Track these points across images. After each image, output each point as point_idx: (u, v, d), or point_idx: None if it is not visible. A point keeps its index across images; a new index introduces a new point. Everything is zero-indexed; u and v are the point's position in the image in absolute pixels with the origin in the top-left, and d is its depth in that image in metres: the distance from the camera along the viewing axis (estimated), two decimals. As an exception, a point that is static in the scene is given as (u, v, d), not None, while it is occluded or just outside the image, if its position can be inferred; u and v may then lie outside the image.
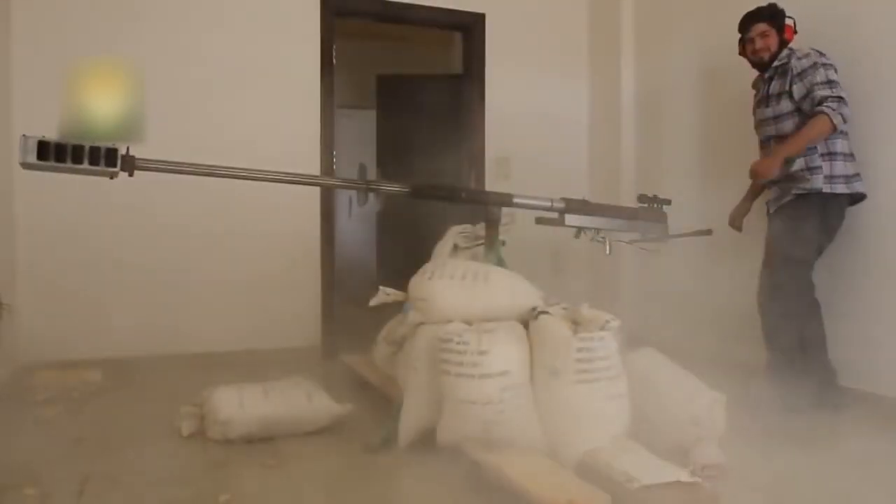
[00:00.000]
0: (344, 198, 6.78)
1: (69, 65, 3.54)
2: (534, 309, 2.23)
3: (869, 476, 2.13)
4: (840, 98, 2.77)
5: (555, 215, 2.70)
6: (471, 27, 4.52)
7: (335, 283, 4.15)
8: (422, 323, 2.35)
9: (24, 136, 1.99)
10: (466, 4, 4.44)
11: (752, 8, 3.07)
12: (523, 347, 2.15)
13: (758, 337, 3.04)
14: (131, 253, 3.67)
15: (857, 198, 2.90)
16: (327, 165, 4.09)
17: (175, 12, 3.79)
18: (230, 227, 3.81)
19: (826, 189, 2.84)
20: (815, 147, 2.85)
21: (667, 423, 2.18)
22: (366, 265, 6.14)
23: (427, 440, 2.23)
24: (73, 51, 3.57)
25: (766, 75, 3.06)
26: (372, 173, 6.06)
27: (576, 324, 2.15)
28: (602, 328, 2.09)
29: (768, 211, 3.09)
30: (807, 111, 2.87)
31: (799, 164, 2.88)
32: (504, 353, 2.08)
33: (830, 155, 2.85)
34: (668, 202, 2.94)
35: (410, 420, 2.29)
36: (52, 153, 2.00)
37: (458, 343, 2.09)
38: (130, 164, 2.13)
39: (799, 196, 2.89)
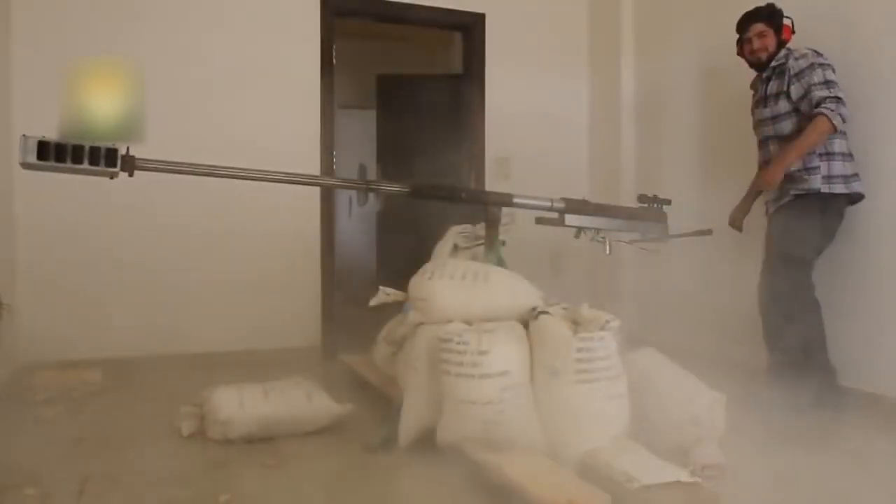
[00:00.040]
0: (344, 198, 6.78)
1: (69, 65, 3.54)
2: (534, 309, 2.24)
3: (869, 476, 2.14)
4: (838, 98, 2.77)
5: (555, 215, 2.70)
6: (471, 27, 4.52)
7: (335, 283, 4.15)
8: (422, 323, 2.35)
9: (24, 136, 1.99)
10: (466, 4, 4.44)
11: (750, 8, 3.07)
12: (523, 347, 2.15)
13: (758, 337, 3.04)
14: (131, 253, 3.67)
15: (855, 198, 2.90)
16: (327, 165, 4.09)
17: (175, 12, 3.79)
18: (230, 227, 3.81)
19: (824, 189, 2.84)
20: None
21: (667, 423, 2.18)
22: (366, 265, 6.14)
23: (427, 440, 2.23)
24: (73, 51, 3.56)
25: (764, 75, 3.06)
26: (372, 173, 6.06)
27: (576, 324, 2.15)
28: (602, 328, 2.09)
29: (767, 211, 3.09)
30: (805, 111, 2.87)
31: (797, 164, 2.88)
32: (504, 353, 2.08)
33: (828, 155, 2.85)
34: (668, 202, 2.94)
35: (410, 420, 2.29)
36: (52, 153, 2.00)
37: (458, 343, 2.09)
38: (130, 164, 2.13)
39: (797, 196, 2.89)
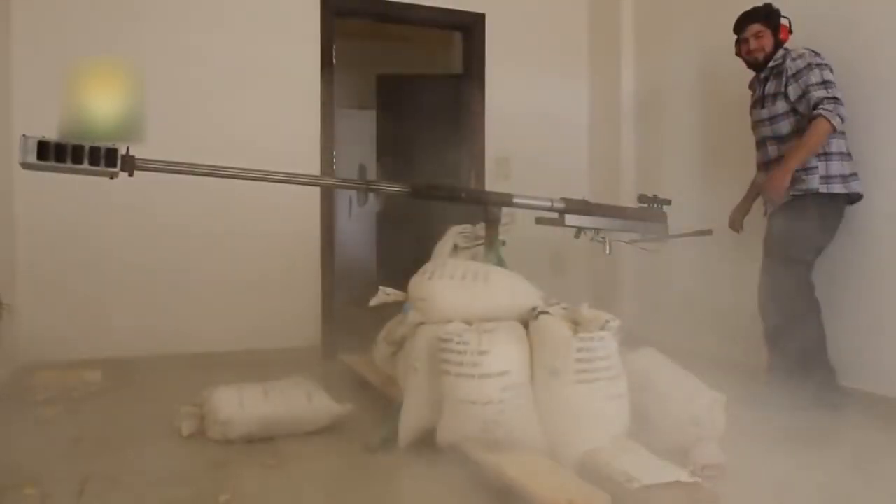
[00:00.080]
0: (344, 198, 6.78)
1: (69, 65, 3.54)
2: (534, 309, 2.24)
3: (869, 476, 2.13)
4: (836, 98, 2.77)
5: (555, 215, 2.70)
6: (471, 27, 4.52)
7: (335, 283, 4.15)
8: (422, 323, 2.35)
9: (24, 136, 1.99)
10: (466, 4, 4.44)
11: (749, 8, 3.07)
12: (523, 347, 2.15)
13: (758, 337, 3.04)
14: (131, 253, 3.67)
15: (854, 197, 2.90)
16: (327, 165, 4.09)
17: (175, 12, 3.79)
18: (230, 227, 3.81)
19: (822, 189, 2.84)
20: None
21: (667, 423, 2.18)
22: (366, 265, 6.14)
23: (427, 440, 2.23)
24: (73, 51, 3.56)
25: (762, 76, 3.06)
26: (372, 173, 6.06)
27: (576, 324, 2.15)
28: (602, 328, 2.09)
29: (766, 211, 3.10)
30: (803, 112, 2.87)
31: None
32: (504, 353, 2.08)
33: (826, 155, 2.84)
34: (668, 202, 2.94)
35: (410, 420, 2.29)
36: (52, 153, 2.00)
37: (458, 343, 2.09)
38: (130, 164, 2.13)
39: (796, 196, 2.89)
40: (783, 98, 2.93)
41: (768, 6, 3.03)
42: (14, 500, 1.91)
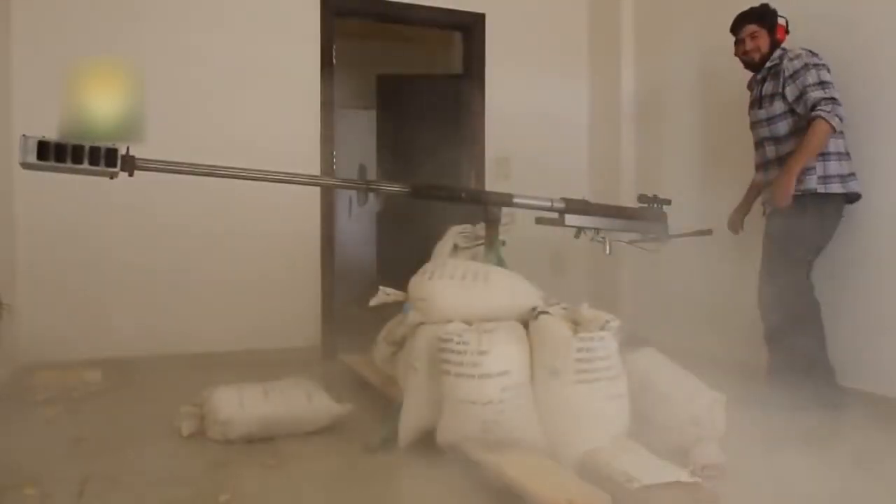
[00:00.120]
0: (344, 198, 6.78)
1: (69, 65, 3.54)
2: (534, 309, 2.24)
3: (869, 476, 2.13)
4: (833, 99, 2.76)
5: (555, 215, 2.70)
6: (471, 27, 4.52)
7: (335, 283, 4.15)
8: (422, 323, 2.35)
9: (24, 136, 1.99)
10: (466, 4, 4.44)
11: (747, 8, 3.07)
12: (523, 347, 2.15)
13: (758, 337, 3.04)
14: (131, 253, 3.67)
15: (852, 197, 2.90)
16: (327, 165, 4.09)
17: (175, 12, 3.79)
18: (230, 227, 3.81)
19: (820, 189, 2.83)
20: None
21: (667, 423, 2.18)
22: (366, 265, 6.14)
23: (427, 440, 2.23)
24: (73, 51, 3.56)
25: (759, 76, 3.06)
26: (372, 173, 6.06)
27: (576, 324, 2.15)
28: (602, 328, 2.09)
29: (765, 212, 3.10)
30: (800, 113, 2.87)
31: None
32: (504, 353, 2.08)
33: (824, 155, 2.84)
34: (668, 202, 2.94)
35: (410, 420, 2.29)
36: (52, 153, 2.00)
37: (458, 343, 2.09)
38: (130, 164, 2.13)
39: (794, 197, 2.88)
40: (781, 99, 2.93)
41: (764, 6, 3.03)
42: (14, 500, 1.91)
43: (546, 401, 2.08)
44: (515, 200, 2.60)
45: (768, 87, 2.99)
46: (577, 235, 2.84)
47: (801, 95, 2.85)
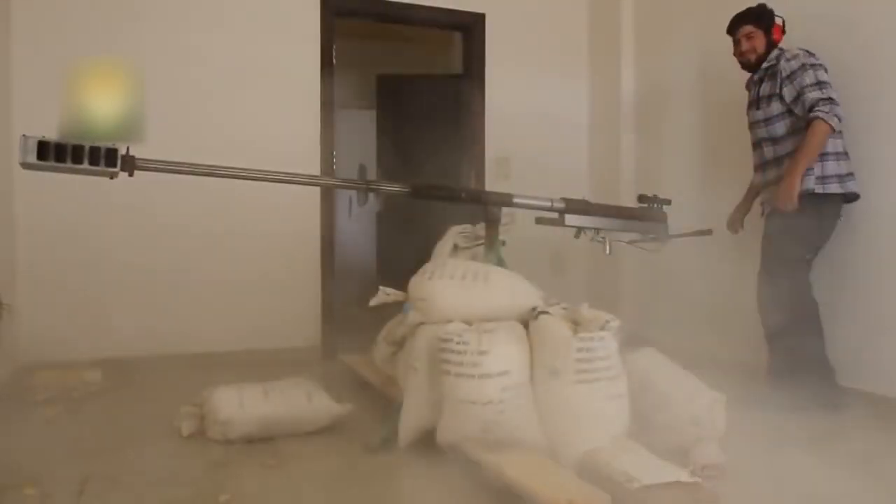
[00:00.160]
0: (344, 198, 6.78)
1: (69, 65, 3.54)
2: (534, 309, 2.24)
3: (869, 476, 2.13)
4: (831, 99, 2.76)
5: (555, 215, 2.70)
6: (471, 27, 4.52)
7: (335, 283, 4.15)
8: (422, 323, 2.35)
9: (24, 136, 1.99)
10: (466, 4, 4.44)
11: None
12: (523, 347, 2.15)
13: (758, 337, 3.04)
14: (131, 253, 3.67)
15: (851, 197, 2.90)
16: (327, 165, 4.09)
17: (175, 12, 3.79)
18: (230, 227, 3.81)
19: (818, 190, 2.83)
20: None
21: (667, 423, 2.18)
22: (366, 265, 6.14)
23: (427, 440, 2.23)
24: (73, 51, 3.56)
25: (756, 77, 3.06)
26: (372, 173, 6.06)
27: (576, 324, 2.15)
28: (602, 328, 2.09)
29: (763, 212, 3.10)
30: (798, 114, 2.86)
31: (787, 164, 2.87)
32: (504, 353, 2.08)
33: (822, 156, 2.83)
34: (668, 202, 2.94)
35: (410, 420, 2.29)
36: (52, 153, 2.00)
37: (458, 343, 2.09)
38: (130, 164, 2.13)
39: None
40: (778, 99, 2.92)
41: (761, 6, 3.03)
42: (14, 500, 1.91)
43: (546, 401, 2.08)
44: (515, 200, 2.60)
45: (765, 88, 2.99)
46: (577, 235, 2.84)
47: (798, 96, 2.84)
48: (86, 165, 2.05)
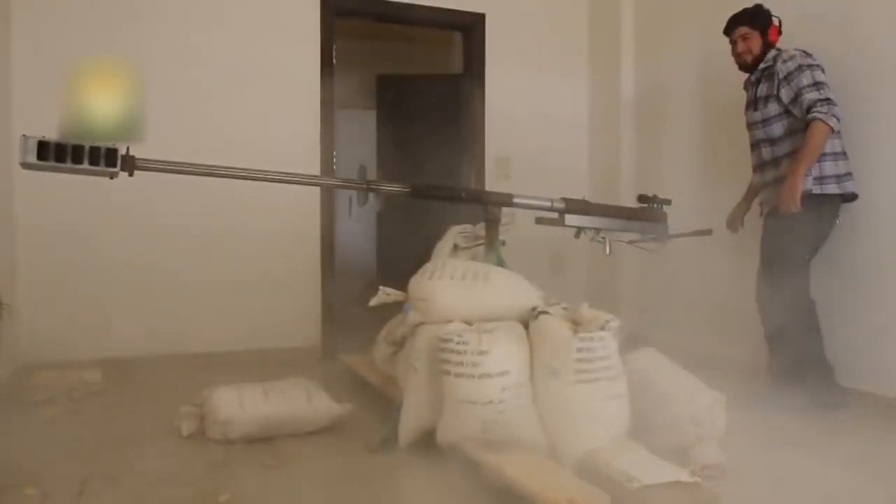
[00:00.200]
0: (344, 198, 6.79)
1: (69, 65, 3.54)
2: (534, 309, 2.23)
3: (869, 476, 2.13)
4: (829, 100, 2.76)
5: (555, 215, 2.70)
6: (471, 27, 4.52)
7: (335, 283, 4.15)
8: (422, 323, 2.35)
9: (24, 136, 1.99)
10: (466, 4, 4.44)
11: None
12: (523, 347, 2.15)
13: (758, 337, 3.05)
14: (131, 253, 3.67)
15: (849, 197, 2.90)
16: (327, 165, 4.09)
17: (175, 12, 3.79)
18: (230, 227, 3.81)
19: (816, 190, 2.83)
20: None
21: (667, 423, 2.17)
22: (366, 265, 6.14)
23: (427, 440, 2.23)
24: (73, 51, 3.56)
25: (753, 78, 3.06)
26: (372, 173, 6.06)
27: (576, 324, 2.15)
28: (602, 328, 2.09)
29: (762, 212, 3.10)
30: (796, 115, 2.86)
31: (787, 166, 2.87)
32: (504, 353, 2.08)
33: (819, 156, 2.83)
34: (668, 202, 2.94)
35: (410, 420, 2.29)
36: (52, 153, 2.00)
37: (458, 343, 2.09)
38: (130, 164, 2.13)
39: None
40: (775, 100, 2.92)
41: (757, 7, 3.03)
42: (14, 500, 1.91)
43: (546, 401, 2.08)
44: (515, 200, 2.60)
45: (762, 89, 2.99)
46: (577, 235, 2.84)
47: (796, 97, 2.84)
48: (86, 165, 2.05)
